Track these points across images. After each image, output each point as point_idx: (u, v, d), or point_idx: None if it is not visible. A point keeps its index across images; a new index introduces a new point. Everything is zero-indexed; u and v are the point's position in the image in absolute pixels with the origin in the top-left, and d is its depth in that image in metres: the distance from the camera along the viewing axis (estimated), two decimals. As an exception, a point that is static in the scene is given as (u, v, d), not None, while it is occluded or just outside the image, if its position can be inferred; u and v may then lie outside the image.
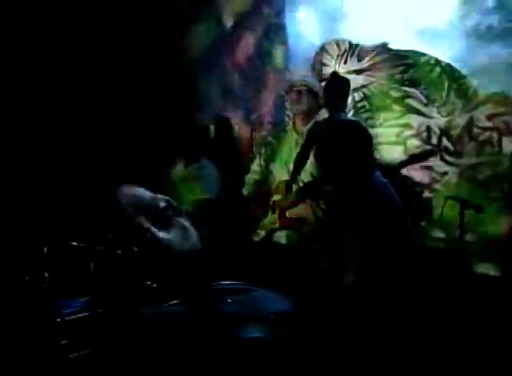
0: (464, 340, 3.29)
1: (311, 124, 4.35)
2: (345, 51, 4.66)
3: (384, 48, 4.55)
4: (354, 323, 3.42)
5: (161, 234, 3.62)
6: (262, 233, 4.38)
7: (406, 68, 4.45)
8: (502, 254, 3.77)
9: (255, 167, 4.65)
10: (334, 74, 4.38)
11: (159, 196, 4.19)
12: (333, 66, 4.70)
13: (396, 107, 4.50)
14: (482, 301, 3.52)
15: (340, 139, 3.97)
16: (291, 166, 4.34)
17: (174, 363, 3.09)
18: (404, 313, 3.49)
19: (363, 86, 4.59)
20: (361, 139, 4.00)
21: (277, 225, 4.28)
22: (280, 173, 4.45)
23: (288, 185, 4.27)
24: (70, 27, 5.21)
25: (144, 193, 4.08)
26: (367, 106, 4.58)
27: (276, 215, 4.28)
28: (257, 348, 3.16)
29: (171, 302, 3.45)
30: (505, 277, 3.57)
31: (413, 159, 4.07)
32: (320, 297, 3.61)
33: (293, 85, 4.38)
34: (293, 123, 4.46)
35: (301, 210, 4.18)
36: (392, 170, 4.12)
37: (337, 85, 4.20)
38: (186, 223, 3.94)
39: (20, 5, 5.09)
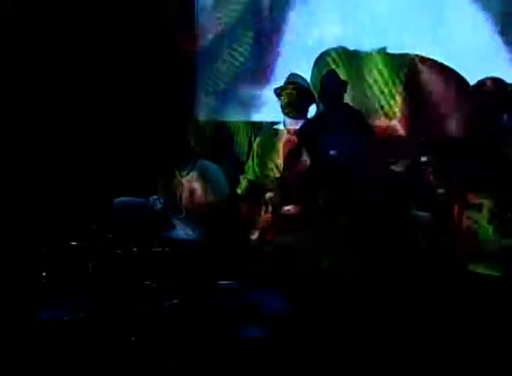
0: (462, 341, 3.29)
1: (304, 123, 4.39)
2: (344, 57, 4.71)
3: (382, 51, 4.58)
4: (351, 321, 3.44)
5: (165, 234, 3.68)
6: (257, 231, 4.38)
7: (406, 69, 4.47)
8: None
9: (249, 166, 4.65)
10: (332, 71, 4.54)
11: (154, 198, 4.21)
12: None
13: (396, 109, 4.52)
14: (480, 301, 3.53)
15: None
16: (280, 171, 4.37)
17: (174, 363, 3.09)
18: (401, 312, 3.50)
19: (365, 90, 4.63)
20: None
21: (271, 223, 4.28)
22: (272, 173, 4.47)
23: (282, 182, 4.28)
24: (68, 28, 5.21)
25: (136, 202, 4.10)
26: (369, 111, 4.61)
27: (270, 214, 4.30)
28: (257, 348, 3.17)
29: (171, 302, 3.46)
30: (505, 277, 3.58)
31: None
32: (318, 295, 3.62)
33: (283, 88, 4.43)
34: (285, 124, 4.49)
35: (295, 208, 4.19)
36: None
37: (335, 83, 4.37)
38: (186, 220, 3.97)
39: (20, 5, 5.09)
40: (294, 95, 4.36)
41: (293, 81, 4.41)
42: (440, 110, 4.38)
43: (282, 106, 4.42)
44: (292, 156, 4.32)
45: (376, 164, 4.14)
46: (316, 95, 4.55)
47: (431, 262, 3.72)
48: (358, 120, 4.39)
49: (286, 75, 4.48)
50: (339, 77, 4.52)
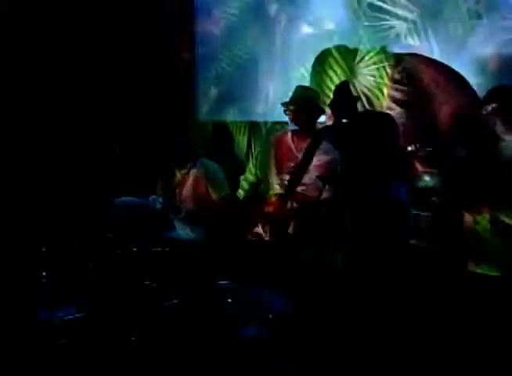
0: (461, 341, 3.29)
1: (312, 139, 4.37)
2: (345, 55, 4.71)
3: (382, 51, 4.59)
4: (351, 321, 3.44)
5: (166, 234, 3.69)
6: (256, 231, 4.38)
7: (405, 68, 4.48)
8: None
9: (251, 168, 4.65)
10: (345, 83, 4.50)
11: (153, 197, 4.21)
12: (336, 71, 4.74)
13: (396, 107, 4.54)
14: (480, 301, 3.53)
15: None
16: (284, 177, 4.36)
17: (174, 363, 3.09)
18: (402, 313, 3.50)
19: (364, 87, 4.64)
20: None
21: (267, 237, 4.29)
22: (273, 182, 4.46)
23: (282, 199, 4.26)
24: (68, 28, 5.21)
25: (136, 202, 4.09)
26: (367, 107, 4.61)
27: (268, 228, 4.30)
28: (257, 347, 3.17)
29: (171, 302, 3.46)
30: (504, 277, 3.58)
31: None
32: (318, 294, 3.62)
33: (289, 104, 4.38)
34: (292, 138, 4.45)
35: (293, 226, 4.19)
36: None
37: (347, 94, 4.34)
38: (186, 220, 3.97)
39: (20, 5, 5.09)
40: (301, 112, 4.26)
41: (298, 95, 4.33)
42: (440, 110, 4.40)
43: (290, 120, 4.38)
44: (301, 165, 4.28)
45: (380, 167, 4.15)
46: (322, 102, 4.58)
47: (433, 264, 3.73)
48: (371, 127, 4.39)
49: (294, 88, 4.39)
50: (350, 90, 4.48)
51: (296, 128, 4.33)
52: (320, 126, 4.43)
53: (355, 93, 4.58)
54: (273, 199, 4.23)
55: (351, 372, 3.05)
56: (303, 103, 4.29)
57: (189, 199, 4.47)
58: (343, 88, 4.53)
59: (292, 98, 4.34)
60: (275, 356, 3.11)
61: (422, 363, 3.10)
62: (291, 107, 4.30)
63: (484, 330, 3.28)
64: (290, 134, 4.39)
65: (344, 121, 4.28)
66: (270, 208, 4.21)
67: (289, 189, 4.19)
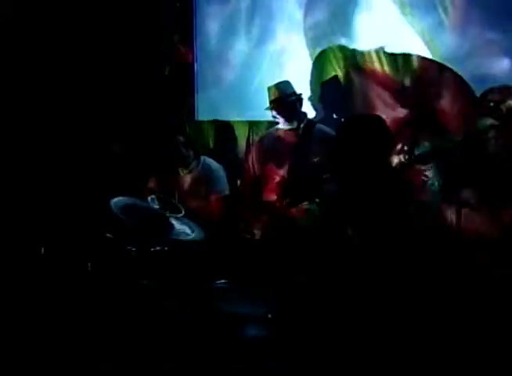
0: (461, 340, 3.30)
1: (302, 126, 4.40)
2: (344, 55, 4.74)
3: (381, 51, 4.62)
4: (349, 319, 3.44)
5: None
6: (255, 232, 4.39)
7: (404, 69, 4.51)
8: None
9: (249, 165, 4.67)
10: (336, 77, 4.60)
11: (152, 197, 4.22)
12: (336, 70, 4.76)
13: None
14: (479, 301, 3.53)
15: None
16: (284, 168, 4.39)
17: (172, 364, 3.09)
18: (402, 313, 3.50)
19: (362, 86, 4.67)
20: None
21: (269, 225, 4.30)
22: (273, 173, 4.49)
23: (283, 187, 4.30)
24: (67, 28, 5.22)
25: (135, 201, 4.10)
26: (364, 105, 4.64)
27: (269, 217, 4.31)
28: (255, 347, 3.17)
29: (171, 302, 3.46)
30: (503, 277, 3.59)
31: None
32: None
33: (267, 108, 4.41)
34: (283, 134, 4.48)
35: (296, 213, 4.20)
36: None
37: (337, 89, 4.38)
38: (185, 219, 3.98)
39: (20, 5, 5.09)
40: (279, 112, 4.36)
41: (279, 92, 4.38)
42: (438, 110, 4.41)
43: (280, 119, 4.42)
44: (294, 155, 4.31)
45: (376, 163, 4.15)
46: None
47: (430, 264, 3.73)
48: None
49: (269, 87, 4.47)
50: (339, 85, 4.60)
51: (286, 126, 4.38)
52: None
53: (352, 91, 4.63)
54: (274, 190, 4.28)
55: (352, 372, 3.05)
56: (278, 102, 4.33)
57: (190, 198, 4.48)
58: (332, 83, 4.58)
59: (274, 98, 4.36)
60: (275, 356, 3.12)
61: (424, 365, 3.10)
62: (271, 107, 4.33)
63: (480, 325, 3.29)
64: (279, 132, 4.44)
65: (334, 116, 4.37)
66: (271, 198, 4.25)
67: (288, 179, 4.24)
